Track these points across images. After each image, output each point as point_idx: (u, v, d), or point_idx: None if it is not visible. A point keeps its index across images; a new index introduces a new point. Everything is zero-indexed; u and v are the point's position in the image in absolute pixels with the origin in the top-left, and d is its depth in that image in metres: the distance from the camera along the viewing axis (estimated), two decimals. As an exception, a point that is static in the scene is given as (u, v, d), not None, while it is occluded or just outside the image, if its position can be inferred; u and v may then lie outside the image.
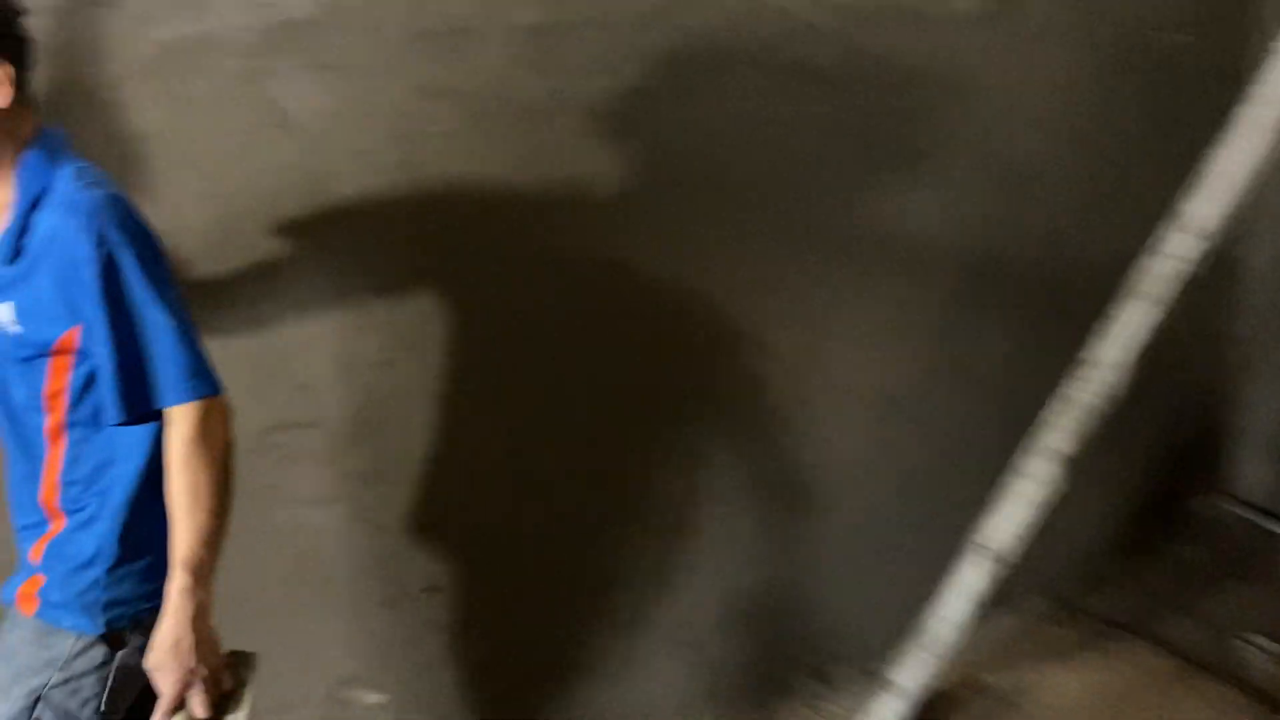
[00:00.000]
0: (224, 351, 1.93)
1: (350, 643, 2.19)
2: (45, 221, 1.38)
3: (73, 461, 1.45)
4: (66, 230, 1.35)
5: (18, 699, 1.40)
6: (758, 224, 2.40)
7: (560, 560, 2.34)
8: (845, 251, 2.50)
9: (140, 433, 1.43)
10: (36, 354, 1.41)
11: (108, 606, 1.44)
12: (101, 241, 1.34)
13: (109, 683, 1.43)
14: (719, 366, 2.46)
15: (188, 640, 1.37)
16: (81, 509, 1.45)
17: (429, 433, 2.17)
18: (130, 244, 1.36)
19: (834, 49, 2.41)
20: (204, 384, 1.40)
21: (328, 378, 2.06)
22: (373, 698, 2.23)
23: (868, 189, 2.48)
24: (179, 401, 1.38)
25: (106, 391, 1.37)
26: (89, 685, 1.42)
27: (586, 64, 2.19)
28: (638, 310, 2.34)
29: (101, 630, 1.43)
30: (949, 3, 2.52)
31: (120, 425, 1.38)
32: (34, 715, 1.39)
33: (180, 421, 1.38)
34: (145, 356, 1.37)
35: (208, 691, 1.39)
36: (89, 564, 1.44)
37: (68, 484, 1.45)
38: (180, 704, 1.39)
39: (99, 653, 1.43)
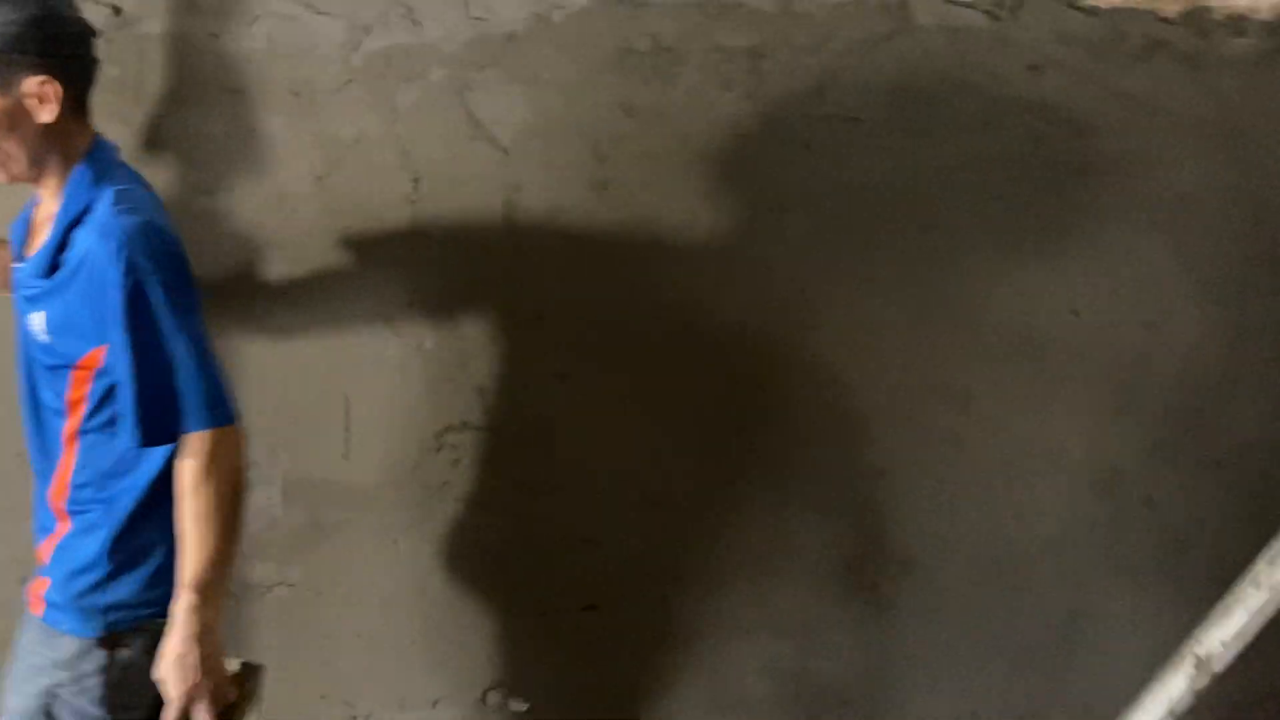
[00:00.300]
0: (404, 351, 2.03)
1: (503, 648, 2.21)
2: (82, 241, 1.44)
3: (83, 466, 1.50)
4: (99, 253, 1.40)
5: (30, 695, 1.48)
6: (965, 267, 2.24)
7: (710, 597, 2.26)
8: (1067, 302, 2.27)
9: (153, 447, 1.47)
10: (62, 364, 1.48)
11: (106, 610, 1.48)
12: (131, 269, 1.39)
13: (112, 683, 1.48)
14: (912, 419, 2.30)
15: (192, 656, 1.41)
16: (86, 513, 1.50)
17: (596, 450, 2.16)
18: (158, 272, 1.40)
19: (1076, 87, 2.21)
20: (220, 413, 1.43)
21: (503, 385, 2.10)
22: (518, 705, 2.23)
23: (1096, 238, 2.25)
24: (195, 429, 1.42)
25: (126, 415, 1.42)
26: (96, 685, 1.48)
27: (795, 89, 2.12)
28: (824, 349, 2.23)
29: (100, 633, 1.48)
30: (1221, 44, 2.26)
31: (139, 448, 1.43)
32: (50, 713, 1.46)
33: (194, 448, 1.42)
34: (165, 383, 1.41)
35: (211, 704, 1.44)
36: (88, 568, 1.48)
37: (76, 487, 1.51)
38: (187, 714, 1.44)
39: (100, 655, 1.48)
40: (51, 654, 1.49)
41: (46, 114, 1.43)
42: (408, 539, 2.11)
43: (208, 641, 1.42)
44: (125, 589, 1.49)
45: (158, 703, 1.48)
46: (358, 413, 2.04)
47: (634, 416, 2.17)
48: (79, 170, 1.48)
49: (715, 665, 2.29)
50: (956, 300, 2.26)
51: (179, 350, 1.41)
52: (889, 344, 2.26)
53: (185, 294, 1.44)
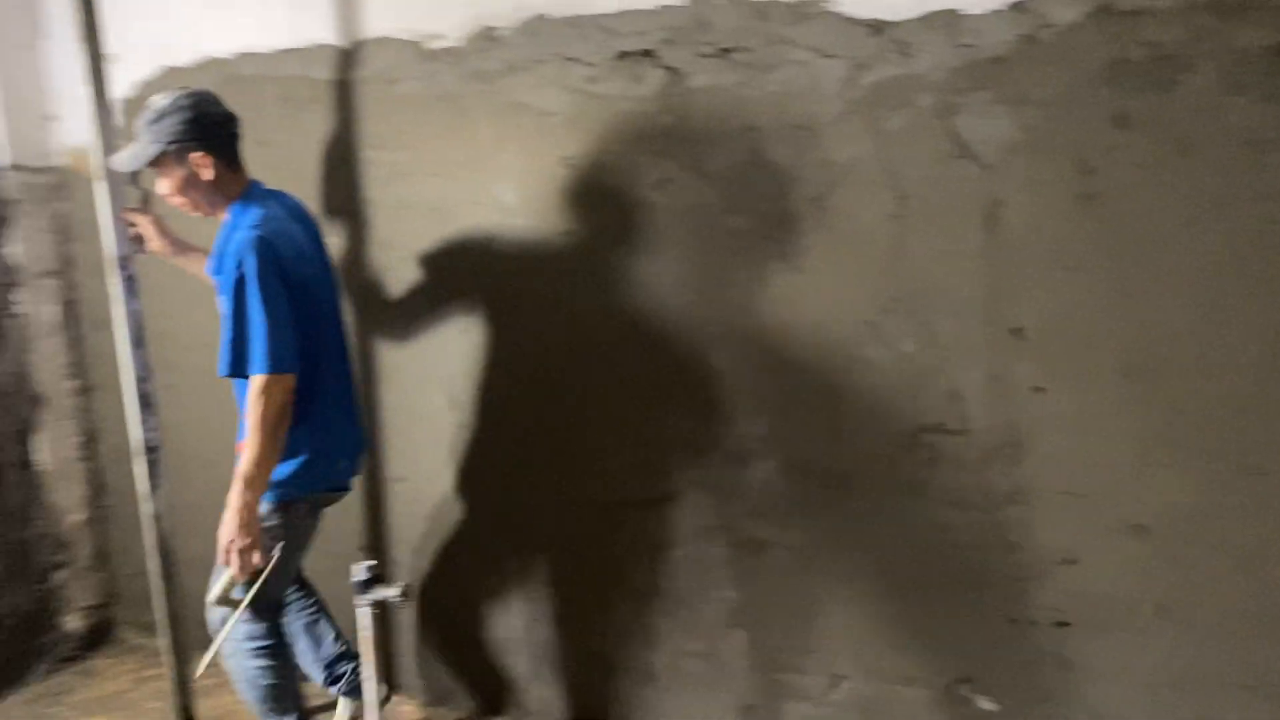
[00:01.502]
0: (886, 352, 2.24)
1: (971, 645, 2.29)
2: (230, 246, 2.22)
3: None
4: (231, 255, 2.20)
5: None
6: None
7: (1194, 637, 2.10)
8: None
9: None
10: None
11: (274, 487, 2.26)
12: (239, 265, 2.17)
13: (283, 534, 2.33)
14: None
15: (231, 519, 2.17)
16: None
17: (1072, 467, 2.14)
18: (257, 265, 2.15)
19: None
20: (267, 365, 2.14)
21: (978, 393, 2.19)
22: (987, 704, 2.30)
23: None
24: (253, 372, 2.16)
25: (223, 354, 2.19)
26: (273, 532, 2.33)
27: (1333, 87, 1.88)
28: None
29: (273, 502, 2.28)
30: None
31: (227, 377, 2.21)
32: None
33: (252, 382, 2.17)
34: (244, 339, 2.17)
35: (242, 558, 2.18)
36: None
37: None
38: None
39: (274, 516, 2.31)
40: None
41: (208, 174, 2.27)
42: (886, 524, 2.31)
43: (244, 514, 2.18)
44: (282, 474, 2.28)
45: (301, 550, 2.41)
46: (844, 406, 2.29)
47: (1117, 436, 2.11)
48: (235, 205, 2.31)
49: (1195, 709, 2.13)
50: None
51: (255, 319, 2.15)
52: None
53: (274, 282, 2.17)
